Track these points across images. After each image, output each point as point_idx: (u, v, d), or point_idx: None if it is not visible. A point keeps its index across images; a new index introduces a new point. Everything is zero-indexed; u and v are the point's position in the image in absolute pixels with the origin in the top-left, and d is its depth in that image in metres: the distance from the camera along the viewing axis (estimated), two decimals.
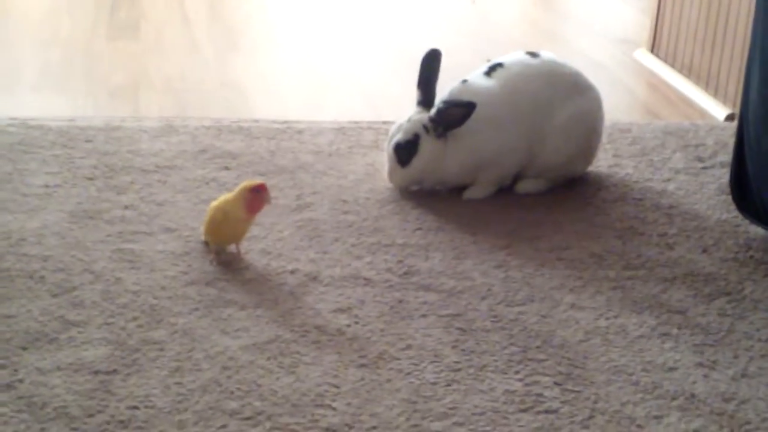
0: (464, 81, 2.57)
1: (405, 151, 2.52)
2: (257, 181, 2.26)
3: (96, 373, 1.86)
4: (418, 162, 2.52)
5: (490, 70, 2.59)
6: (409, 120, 2.54)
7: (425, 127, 2.51)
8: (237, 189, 2.24)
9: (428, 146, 2.51)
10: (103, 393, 1.81)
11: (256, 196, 2.22)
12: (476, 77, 2.58)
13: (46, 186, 2.51)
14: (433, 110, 2.52)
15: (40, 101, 3.14)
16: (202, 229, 2.29)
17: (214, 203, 2.26)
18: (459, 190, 2.60)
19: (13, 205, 2.41)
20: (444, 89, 2.57)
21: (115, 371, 1.86)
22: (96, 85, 3.29)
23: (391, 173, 2.57)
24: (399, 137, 2.52)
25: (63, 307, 2.04)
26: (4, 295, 2.07)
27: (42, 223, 2.34)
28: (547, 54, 2.65)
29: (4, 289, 2.09)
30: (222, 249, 2.26)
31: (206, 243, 2.28)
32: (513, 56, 2.63)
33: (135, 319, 2.02)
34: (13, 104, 3.08)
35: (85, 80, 3.32)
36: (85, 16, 3.94)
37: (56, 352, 1.90)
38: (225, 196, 2.26)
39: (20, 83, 3.28)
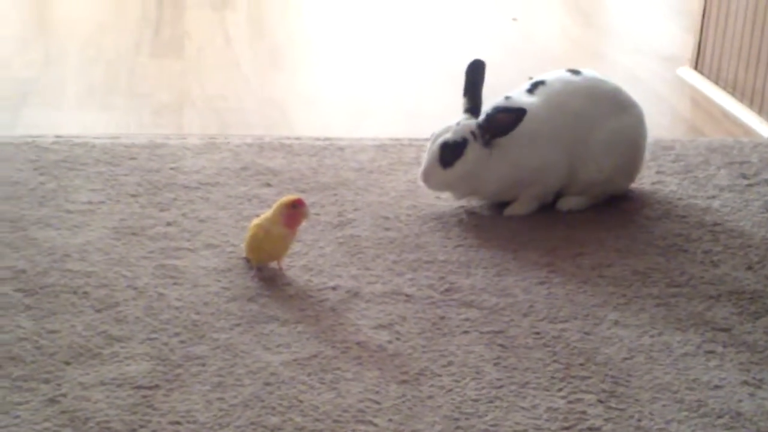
0: (507, 97, 2.56)
1: (451, 151, 2.49)
2: (295, 196, 2.27)
3: (138, 388, 1.86)
4: (460, 166, 2.49)
5: (533, 88, 2.58)
6: (458, 123, 2.52)
7: (473, 133, 2.50)
8: (275, 205, 2.25)
9: (474, 152, 2.49)
10: (145, 408, 1.81)
11: (295, 212, 2.23)
12: (519, 94, 2.57)
13: (90, 203, 2.54)
14: (482, 116, 2.51)
15: (85, 119, 3.17)
16: (243, 246, 2.30)
17: (256, 221, 2.26)
18: (500, 206, 2.59)
19: (57, 221, 2.43)
20: (487, 105, 2.56)
21: (157, 386, 1.87)
22: (140, 103, 3.31)
23: (428, 173, 2.51)
24: (448, 136, 2.50)
25: (106, 323, 2.05)
26: (48, 310, 2.08)
27: (86, 240, 2.36)
28: (588, 71, 2.64)
29: (49, 304, 2.10)
30: (264, 266, 2.27)
31: (248, 260, 2.29)
32: (555, 73, 2.62)
33: (177, 334, 2.03)
34: (58, 122, 3.10)
35: (129, 98, 3.35)
36: (129, 34, 3.98)
37: (99, 367, 1.91)
38: (265, 214, 2.26)
39: (65, 101, 3.31)
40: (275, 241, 2.24)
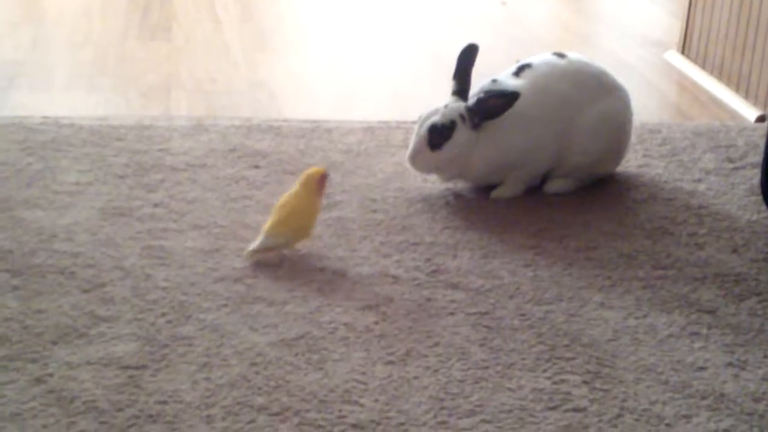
0: (494, 80, 2.57)
1: (440, 134, 2.48)
2: (318, 168, 2.33)
3: (125, 368, 1.87)
4: (448, 148, 2.49)
5: (519, 71, 2.58)
6: (446, 106, 2.52)
7: (461, 116, 2.50)
8: (303, 181, 2.28)
9: (462, 135, 2.49)
10: (132, 388, 1.82)
11: (324, 182, 2.29)
12: (505, 77, 2.58)
13: (78, 183, 2.53)
14: (472, 100, 2.51)
15: (73, 100, 3.16)
16: (268, 232, 2.24)
17: (286, 201, 2.27)
18: (487, 189, 2.60)
19: (44, 202, 2.43)
20: (474, 88, 2.57)
21: (144, 366, 1.88)
22: (128, 84, 3.31)
23: (415, 155, 2.51)
24: (436, 119, 2.49)
25: (93, 303, 2.05)
26: (35, 290, 2.08)
27: (73, 220, 2.36)
28: (574, 55, 2.64)
29: (36, 284, 2.10)
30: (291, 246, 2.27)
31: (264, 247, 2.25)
32: (541, 57, 2.63)
33: (164, 315, 2.03)
34: (46, 103, 3.10)
35: (117, 80, 3.35)
36: (117, 17, 3.97)
37: (86, 347, 1.92)
38: (292, 192, 2.28)
39: (53, 83, 3.31)
40: (314, 213, 2.28)
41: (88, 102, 3.15)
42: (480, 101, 2.49)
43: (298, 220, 2.27)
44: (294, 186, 2.31)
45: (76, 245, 2.26)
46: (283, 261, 2.24)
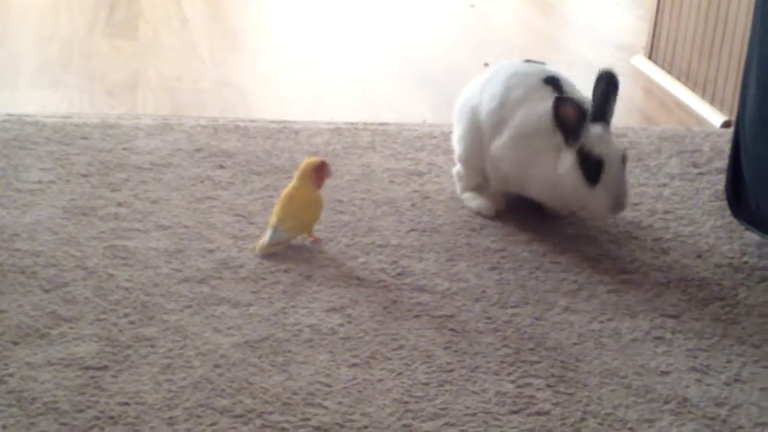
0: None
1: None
2: (316, 158, 2.33)
3: (86, 368, 1.85)
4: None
5: (553, 85, 2.44)
6: (606, 132, 2.34)
7: None
8: (300, 172, 2.29)
9: None
10: (93, 389, 1.80)
11: (321, 173, 2.30)
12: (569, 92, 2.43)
13: (40, 182, 2.51)
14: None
15: (37, 98, 3.13)
16: (275, 225, 2.27)
17: (288, 195, 2.29)
18: (454, 192, 2.59)
19: (6, 200, 2.40)
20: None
21: (105, 367, 1.86)
22: (93, 82, 3.28)
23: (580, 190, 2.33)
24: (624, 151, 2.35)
25: (54, 303, 2.03)
26: None
27: (35, 219, 2.33)
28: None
29: None
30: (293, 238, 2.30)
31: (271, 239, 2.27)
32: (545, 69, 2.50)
33: (126, 315, 2.01)
34: (10, 100, 3.07)
35: (82, 78, 3.32)
36: (83, 14, 3.94)
37: (47, 348, 1.90)
38: (293, 185, 2.30)
39: (17, 80, 3.27)
40: (318, 204, 2.30)
41: (52, 99, 3.12)
42: None
43: (306, 213, 2.29)
44: (292, 180, 2.32)
45: (38, 244, 2.23)
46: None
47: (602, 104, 2.35)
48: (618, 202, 2.33)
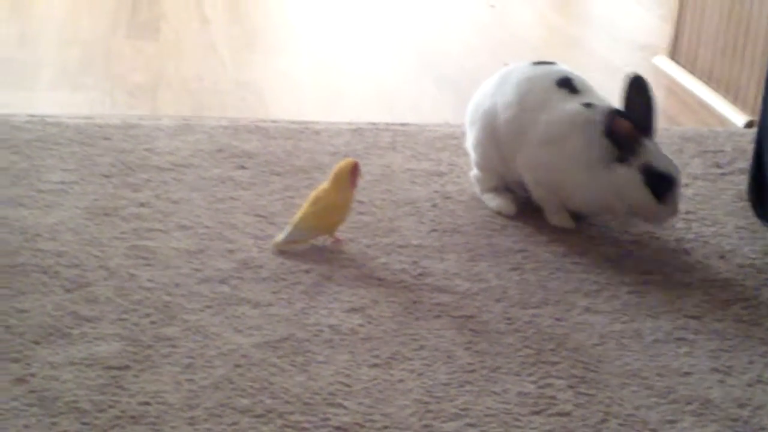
0: (588, 104, 2.40)
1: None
2: (350, 160, 2.33)
3: (108, 368, 1.86)
4: None
5: (570, 88, 2.45)
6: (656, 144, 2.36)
7: None
8: (335, 174, 2.29)
9: None
10: (114, 388, 1.80)
11: (356, 175, 2.30)
12: (590, 97, 2.43)
13: (63, 183, 2.52)
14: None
15: (59, 99, 3.15)
16: (295, 223, 2.28)
17: (318, 195, 2.29)
18: (473, 192, 2.59)
19: (29, 201, 2.42)
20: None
21: (127, 367, 1.86)
22: (115, 83, 3.29)
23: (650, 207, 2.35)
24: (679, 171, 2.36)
25: (76, 303, 2.04)
26: (18, 289, 2.07)
27: (57, 219, 2.34)
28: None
29: (19, 283, 2.09)
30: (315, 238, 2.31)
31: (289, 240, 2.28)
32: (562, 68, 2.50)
33: (148, 315, 2.02)
34: (32, 101, 3.08)
35: (104, 79, 3.33)
36: (105, 15, 3.95)
37: (69, 347, 1.90)
38: (322, 188, 2.30)
39: (40, 81, 3.29)
40: (345, 208, 2.30)
41: (74, 100, 3.14)
42: None
43: (329, 216, 2.29)
44: (325, 181, 2.32)
45: (60, 245, 2.24)
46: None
47: (647, 116, 2.34)
48: (676, 209, 2.37)
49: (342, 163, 2.33)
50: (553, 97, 2.41)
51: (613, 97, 2.46)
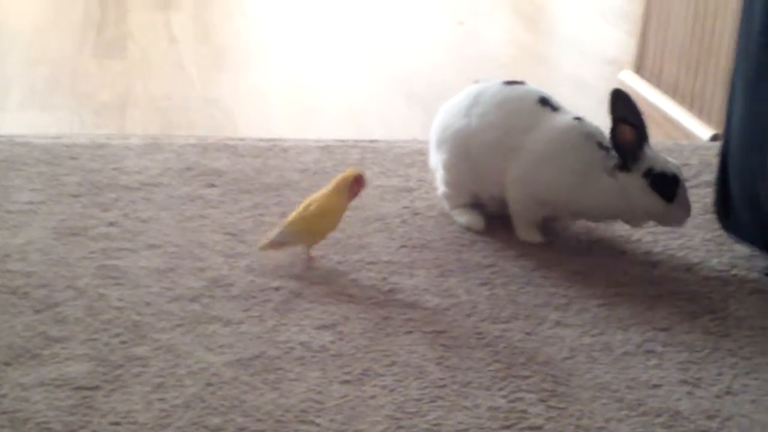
0: (579, 119, 2.45)
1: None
2: (355, 170, 2.33)
3: (78, 389, 1.85)
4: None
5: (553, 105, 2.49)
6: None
7: None
8: (336, 183, 2.29)
9: None
10: (85, 409, 1.80)
11: (359, 186, 2.31)
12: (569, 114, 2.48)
13: (31, 203, 2.51)
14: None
15: (27, 119, 3.14)
16: (284, 226, 2.29)
17: (312, 200, 2.30)
18: (442, 208, 2.60)
19: None
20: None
21: (97, 387, 1.85)
22: (82, 103, 3.29)
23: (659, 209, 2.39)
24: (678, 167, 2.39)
25: (46, 324, 2.03)
26: None
27: (26, 240, 2.33)
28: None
29: None
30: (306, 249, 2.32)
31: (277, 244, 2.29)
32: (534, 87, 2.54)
33: (118, 335, 2.01)
34: (0, 122, 3.07)
35: (71, 98, 3.32)
36: (72, 34, 3.94)
37: (39, 368, 1.89)
38: (321, 192, 2.30)
39: (7, 101, 3.28)
40: (335, 215, 2.30)
41: (42, 120, 3.13)
42: None
43: (318, 221, 2.29)
44: (327, 186, 2.33)
45: (29, 265, 2.23)
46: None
47: (639, 123, 2.37)
48: (689, 208, 2.40)
49: (347, 171, 2.34)
50: (540, 116, 2.44)
51: (583, 111, 2.49)
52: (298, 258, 2.33)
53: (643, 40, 3.73)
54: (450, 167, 2.54)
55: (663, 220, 2.43)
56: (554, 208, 2.47)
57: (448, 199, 2.57)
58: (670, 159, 2.42)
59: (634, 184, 2.36)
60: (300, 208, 2.31)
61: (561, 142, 2.41)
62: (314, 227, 2.30)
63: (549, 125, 2.43)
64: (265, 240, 2.29)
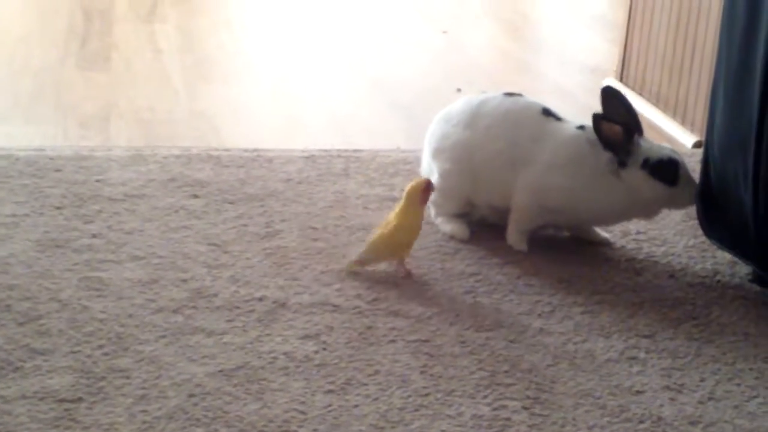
0: (582, 126, 2.47)
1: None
2: (422, 179, 2.37)
3: (61, 401, 1.84)
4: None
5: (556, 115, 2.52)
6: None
7: None
8: (406, 196, 2.31)
9: None
10: (68, 421, 1.79)
11: (428, 193, 2.33)
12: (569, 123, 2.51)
13: (14, 215, 2.50)
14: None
15: (10, 131, 3.13)
16: (368, 245, 2.32)
17: (389, 222, 2.32)
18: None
19: None
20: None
21: (80, 399, 1.85)
22: (66, 114, 3.28)
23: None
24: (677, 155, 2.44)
25: (28, 336, 2.03)
26: None
27: (9, 252, 2.33)
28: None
29: None
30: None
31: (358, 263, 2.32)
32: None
33: (101, 347, 2.01)
34: None
35: (55, 110, 3.32)
36: (56, 46, 3.94)
37: (21, 381, 1.89)
38: (394, 212, 2.33)
39: None
40: (416, 228, 2.33)
41: (25, 132, 3.12)
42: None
43: (396, 237, 2.31)
44: (399, 202, 2.34)
45: (12, 277, 2.23)
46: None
47: (631, 116, 2.41)
48: (694, 185, 2.43)
49: (414, 182, 2.35)
50: (546, 126, 2.48)
51: (571, 119, 2.50)
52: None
53: (626, 49, 3.74)
54: (447, 176, 2.54)
55: (673, 204, 2.47)
56: (565, 217, 2.49)
57: (436, 206, 2.58)
58: (664, 144, 2.44)
59: (635, 177, 2.39)
60: (381, 225, 2.34)
61: (570, 151, 2.44)
62: (397, 242, 2.32)
63: (557, 135, 2.46)
64: (351, 260, 2.32)
